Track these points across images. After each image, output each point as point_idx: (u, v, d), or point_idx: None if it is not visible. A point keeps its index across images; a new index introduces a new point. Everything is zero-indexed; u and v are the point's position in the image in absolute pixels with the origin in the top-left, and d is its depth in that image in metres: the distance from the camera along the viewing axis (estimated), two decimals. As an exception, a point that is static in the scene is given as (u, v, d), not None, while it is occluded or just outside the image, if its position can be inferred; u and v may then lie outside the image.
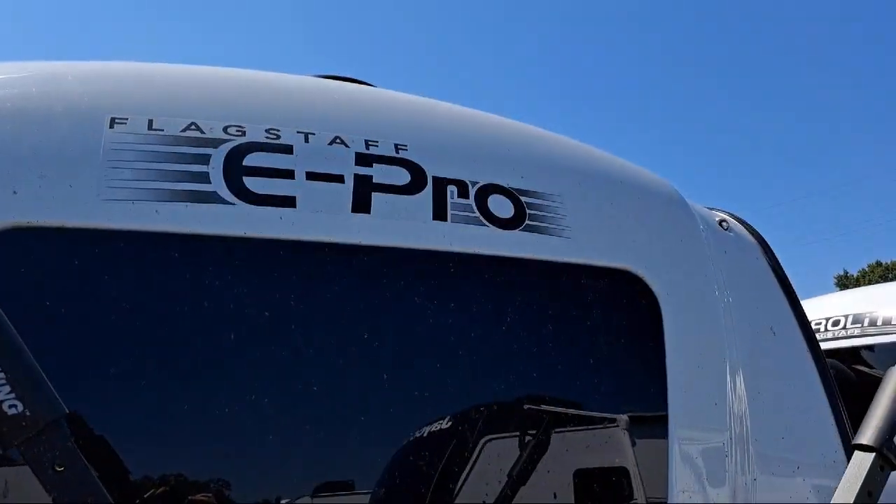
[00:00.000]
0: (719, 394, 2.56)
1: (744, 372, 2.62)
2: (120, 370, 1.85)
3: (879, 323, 8.39)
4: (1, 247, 1.84)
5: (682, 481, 2.38)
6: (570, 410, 2.44)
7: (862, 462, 1.57)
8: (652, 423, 2.49)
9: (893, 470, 1.59)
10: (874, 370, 8.74)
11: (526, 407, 2.35)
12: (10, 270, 1.84)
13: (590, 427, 2.47)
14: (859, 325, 8.57)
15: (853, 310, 8.72)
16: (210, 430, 1.95)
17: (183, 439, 1.94)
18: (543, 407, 2.38)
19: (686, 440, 2.41)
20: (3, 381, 1.09)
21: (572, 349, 2.47)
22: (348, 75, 2.87)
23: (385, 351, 2.20)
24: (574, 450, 2.41)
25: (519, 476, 2.21)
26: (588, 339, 2.49)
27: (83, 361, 1.86)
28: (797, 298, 2.84)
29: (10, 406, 1.07)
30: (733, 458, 2.50)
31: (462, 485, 2.14)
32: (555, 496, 2.24)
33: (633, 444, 2.43)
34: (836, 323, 8.83)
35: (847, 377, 8.95)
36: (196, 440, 1.95)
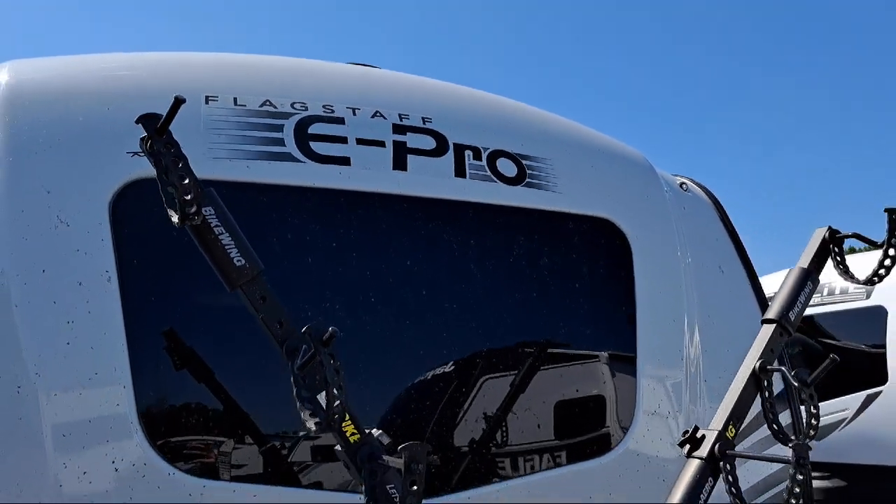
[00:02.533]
0: (679, 332, 3.17)
1: (699, 310, 3.25)
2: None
3: (837, 292, 9.17)
4: (128, 197, 2.44)
5: (647, 405, 2.95)
6: (560, 348, 3.07)
7: (766, 331, 2.20)
8: (623, 360, 3.08)
9: (789, 336, 2.23)
10: (837, 341, 9.52)
11: (525, 341, 2.99)
12: (138, 215, 2.44)
13: (575, 362, 3.10)
14: (819, 295, 9.34)
15: (813, 281, 9.51)
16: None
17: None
18: (541, 341, 3.00)
19: (650, 376, 2.97)
20: (232, 245, 1.70)
21: (564, 285, 3.11)
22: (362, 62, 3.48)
23: (417, 280, 2.83)
24: (562, 381, 3.05)
25: (512, 404, 2.75)
26: (575, 277, 3.14)
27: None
28: (742, 246, 3.50)
29: (238, 261, 1.69)
30: (688, 391, 3.09)
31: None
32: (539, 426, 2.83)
33: (613, 375, 3.07)
34: (798, 294, 9.61)
35: (813, 349, 9.73)
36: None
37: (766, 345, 2.14)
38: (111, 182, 2.39)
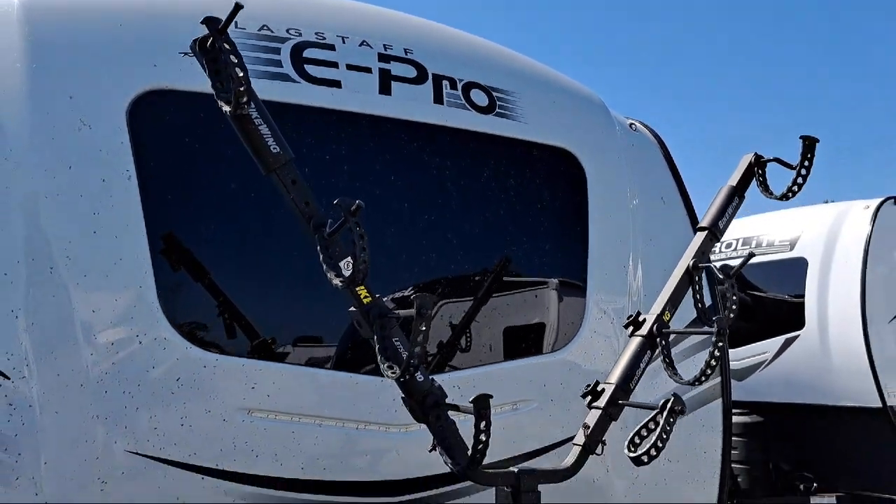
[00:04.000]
0: (625, 253, 3.60)
1: (642, 234, 3.68)
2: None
3: (764, 245, 9.87)
4: (144, 105, 2.69)
5: (591, 327, 3.37)
6: (521, 263, 3.47)
7: (699, 237, 2.64)
8: (575, 277, 3.49)
9: (718, 241, 2.67)
10: (763, 292, 10.25)
11: (492, 254, 3.37)
12: (153, 121, 2.70)
13: (534, 277, 3.50)
14: (747, 247, 10.04)
15: (742, 234, 10.19)
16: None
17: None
18: (505, 255, 3.39)
19: (599, 301, 3.39)
20: (269, 135, 2.01)
21: (527, 207, 3.49)
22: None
23: (399, 195, 3.17)
24: (521, 292, 3.45)
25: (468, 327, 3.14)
26: (537, 201, 3.53)
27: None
28: (682, 180, 3.94)
29: (274, 148, 2.00)
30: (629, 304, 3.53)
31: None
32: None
33: (565, 291, 3.48)
34: (728, 245, 10.29)
35: (743, 301, 10.45)
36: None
37: (699, 247, 2.58)
38: (129, 90, 2.64)
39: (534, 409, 3.15)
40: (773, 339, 9.53)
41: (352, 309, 2.02)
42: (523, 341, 3.30)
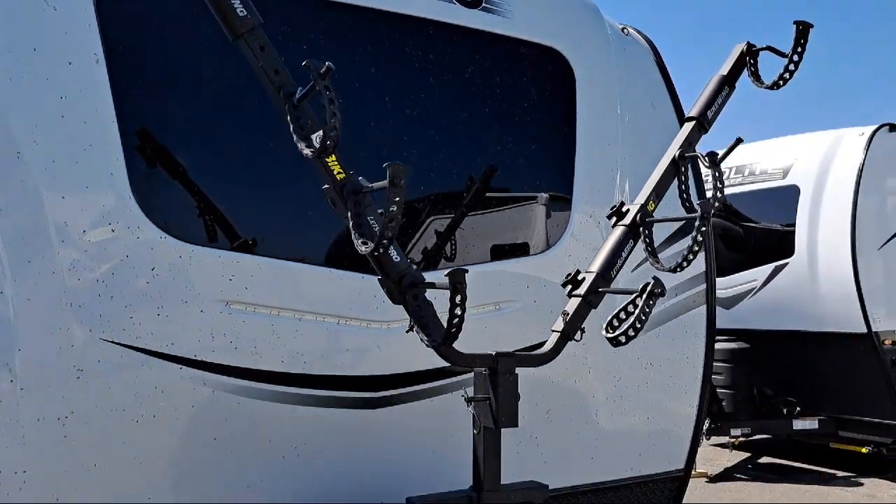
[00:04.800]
0: (611, 163, 3.53)
1: (630, 138, 3.61)
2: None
3: (757, 173, 9.81)
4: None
5: (576, 230, 3.32)
6: (507, 163, 3.40)
7: (687, 127, 2.58)
8: (559, 190, 3.43)
9: (706, 132, 2.61)
10: (755, 222, 10.24)
11: (477, 153, 3.29)
12: (121, 5, 2.58)
13: (521, 177, 3.44)
14: (740, 176, 9.98)
15: (736, 162, 10.12)
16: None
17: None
18: (491, 154, 3.32)
19: (585, 204, 3.33)
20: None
21: (514, 105, 3.41)
22: None
23: (377, 90, 3.08)
24: (509, 192, 3.40)
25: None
26: (524, 100, 3.44)
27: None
28: (674, 87, 3.85)
29: (241, 11, 1.91)
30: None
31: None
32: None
33: (545, 203, 3.43)
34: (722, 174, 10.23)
35: (734, 233, 10.47)
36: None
37: (686, 138, 2.52)
38: (94, -30, 2.51)
39: (517, 310, 3.14)
40: (762, 267, 9.58)
41: (325, 187, 1.97)
42: (507, 243, 3.27)
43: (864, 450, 8.83)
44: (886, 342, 8.48)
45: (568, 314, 2.31)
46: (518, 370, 2.92)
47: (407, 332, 2.07)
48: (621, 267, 2.38)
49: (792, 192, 9.25)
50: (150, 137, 2.55)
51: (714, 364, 10.01)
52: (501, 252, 3.23)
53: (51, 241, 2.35)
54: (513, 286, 3.14)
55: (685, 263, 2.31)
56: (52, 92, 2.40)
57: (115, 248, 2.44)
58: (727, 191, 10.07)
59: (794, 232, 9.23)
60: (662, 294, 2.12)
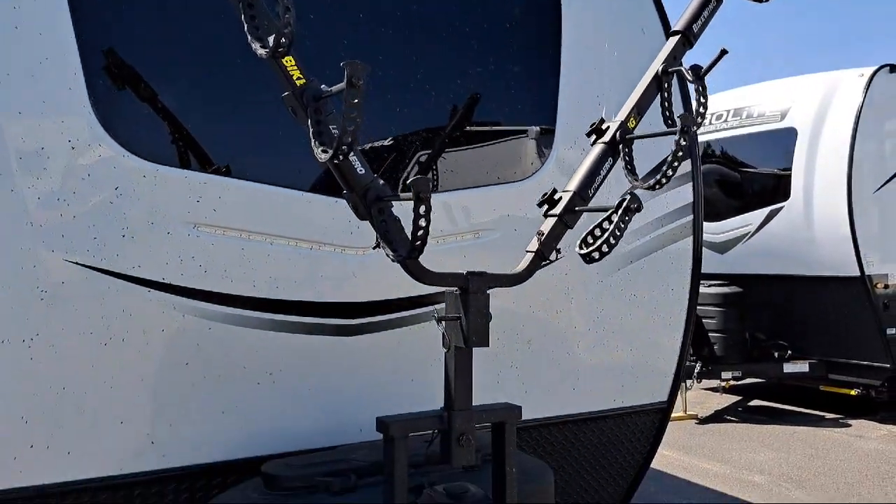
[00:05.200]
0: (597, 88, 3.41)
1: (618, 67, 3.49)
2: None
3: (755, 115, 9.66)
4: None
5: (559, 157, 3.23)
6: (494, 83, 3.28)
7: (672, 41, 2.48)
8: (543, 115, 3.32)
9: (690, 47, 2.51)
10: (753, 168, 10.13)
11: (462, 75, 3.18)
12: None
13: (507, 95, 3.33)
14: (738, 119, 9.83)
15: (734, 105, 9.96)
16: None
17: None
18: (476, 75, 3.20)
19: (569, 131, 3.23)
20: None
21: (494, 28, 3.28)
22: None
23: (351, 8, 2.95)
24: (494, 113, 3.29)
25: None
26: (506, 21, 3.31)
27: None
28: (664, 12, 3.71)
29: None
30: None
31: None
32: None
33: (528, 129, 3.32)
34: (719, 117, 10.07)
35: (730, 177, 10.36)
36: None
37: (670, 52, 2.42)
38: None
39: (496, 240, 3.07)
40: (757, 211, 9.52)
41: (285, 94, 1.87)
42: (487, 170, 3.18)
43: (853, 392, 8.91)
44: (879, 286, 8.47)
45: (543, 234, 2.24)
46: (499, 301, 2.88)
47: (374, 248, 2.01)
48: (599, 186, 2.31)
49: (789, 135, 9.12)
50: (112, 51, 2.44)
51: (706, 308, 10.06)
52: (481, 179, 3.15)
53: (7, 158, 2.26)
54: (492, 214, 3.07)
55: (664, 180, 2.23)
56: (5, 1, 2.29)
57: (75, 165, 2.36)
58: (724, 134, 9.96)
59: (790, 176, 9.15)
60: (639, 209, 2.05)
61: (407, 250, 1.89)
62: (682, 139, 2.15)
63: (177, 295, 2.50)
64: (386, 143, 2.98)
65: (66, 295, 2.36)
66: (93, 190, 2.36)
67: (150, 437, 2.55)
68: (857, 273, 8.43)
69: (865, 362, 8.60)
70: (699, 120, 2.30)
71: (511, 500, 2.26)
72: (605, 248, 2.06)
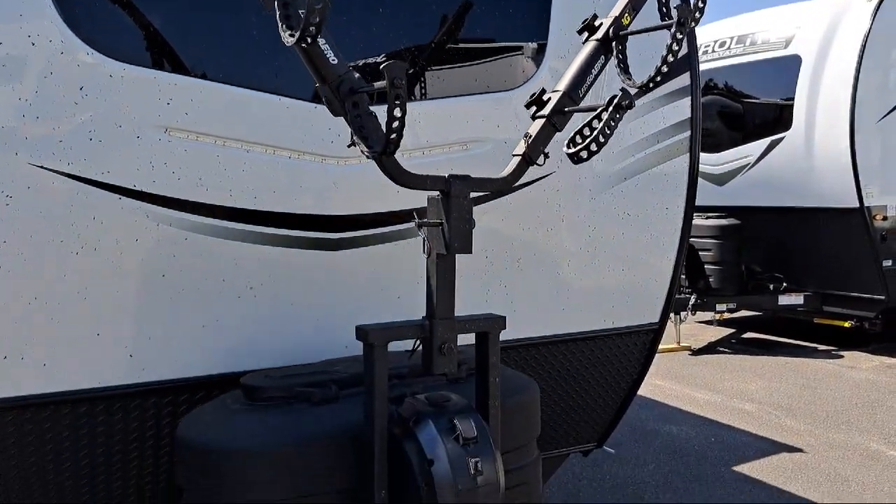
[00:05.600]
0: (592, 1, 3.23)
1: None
2: None
3: (759, 43, 9.40)
4: None
5: (553, 65, 3.06)
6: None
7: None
8: (536, 17, 3.13)
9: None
10: (756, 98, 9.91)
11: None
12: None
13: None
14: (741, 46, 9.56)
15: (737, 32, 9.68)
16: None
17: None
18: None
19: (563, 35, 3.06)
20: None
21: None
22: None
23: None
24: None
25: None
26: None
27: None
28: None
29: None
30: None
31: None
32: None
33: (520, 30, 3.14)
34: (722, 44, 9.80)
35: (731, 108, 10.14)
36: None
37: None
38: None
39: (486, 152, 2.96)
40: (758, 141, 9.35)
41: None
42: (476, 77, 3.04)
43: (846, 324, 8.93)
44: (877, 217, 8.39)
45: (530, 137, 2.13)
46: (487, 217, 2.79)
47: (349, 146, 1.90)
48: (591, 85, 2.18)
49: (793, 63, 8.88)
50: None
51: (703, 240, 9.98)
52: (470, 87, 3.01)
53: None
54: (482, 124, 2.95)
55: (658, 78, 2.11)
56: None
57: (37, 64, 2.23)
58: (727, 62, 9.71)
59: (792, 105, 8.96)
60: (630, 107, 1.93)
61: (382, 145, 1.79)
62: (678, 32, 2.02)
63: (149, 203, 2.40)
64: (373, 49, 2.84)
65: (33, 199, 2.26)
66: (56, 90, 2.24)
67: (129, 351, 2.50)
68: (856, 204, 8.34)
69: (860, 294, 8.59)
70: (697, 15, 2.16)
71: (494, 411, 2.22)
72: (593, 147, 1.96)
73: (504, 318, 2.24)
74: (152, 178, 2.39)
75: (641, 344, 3.62)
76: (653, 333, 3.63)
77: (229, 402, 2.34)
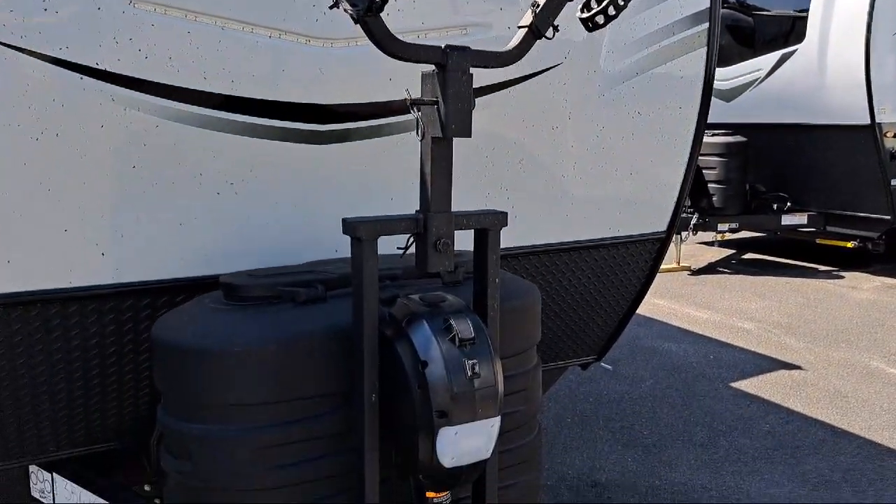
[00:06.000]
0: None
1: None
2: None
3: (774, -52, 8.93)
4: None
5: None
6: None
7: None
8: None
9: None
10: (767, 10, 9.46)
11: None
12: None
13: None
14: (756, -48, 9.09)
15: (753, -63, 9.19)
16: None
17: None
18: None
19: None
20: None
21: None
22: None
23: None
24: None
25: None
26: None
27: None
28: None
29: None
30: None
31: None
32: None
33: None
34: (735, -50, 9.32)
35: (743, 22, 9.69)
36: None
37: None
38: None
39: (490, 38, 2.70)
40: (768, 55, 9.00)
41: None
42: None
43: (849, 245, 8.80)
44: (888, 135, 8.14)
45: (538, 5, 1.89)
46: (488, 111, 2.57)
47: (331, 7, 1.66)
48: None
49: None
50: None
51: (708, 158, 9.70)
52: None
53: None
54: (483, 6, 2.68)
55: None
56: None
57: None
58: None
59: (806, 17, 8.57)
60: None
61: (367, 1, 1.55)
62: None
63: (114, 84, 2.17)
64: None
65: (-17, 79, 2.02)
66: (1, -51, 1.97)
67: (100, 249, 2.31)
68: (867, 121, 8.09)
69: (866, 214, 8.43)
70: None
71: (493, 313, 2.06)
72: (611, 11, 1.72)
73: (506, 213, 2.05)
74: (117, 56, 2.15)
75: (647, 254, 3.45)
76: (659, 243, 3.46)
77: (208, 302, 2.17)
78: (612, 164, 3.18)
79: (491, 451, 1.90)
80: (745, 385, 5.52)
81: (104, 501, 2.65)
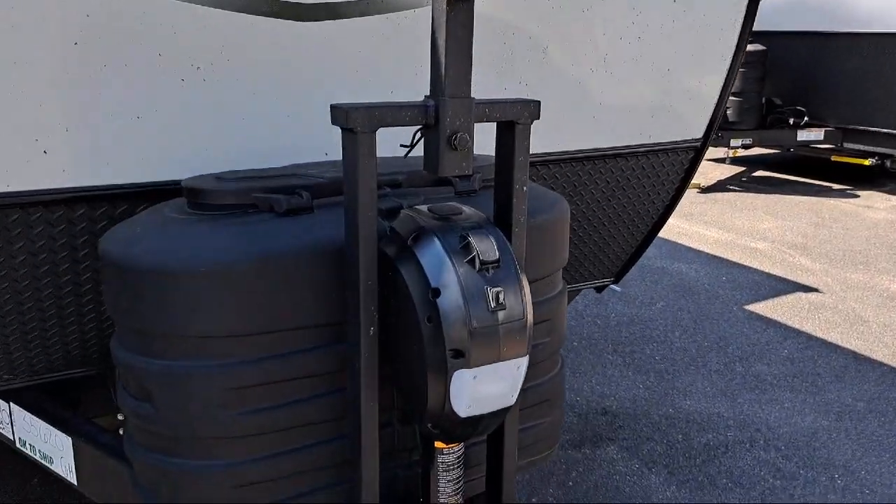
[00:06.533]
0: None
1: None
2: None
3: None
4: None
5: None
6: None
7: None
8: None
9: None
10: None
11: None
12: None
13: None
14: None
15: None
16: None
17: None
18: None
19: None
20: None
21: None
22: None
23: None
24: None
25: None
26: None
27: None
28: None
29: None
30: None
31: None
32: None
33: None
34: None
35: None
36: None
37: None
38: None
39: None
40: (796, -46, 8.34)
41: None
42: None
43: (867, 162, 8.40)
44: (920, 44, 7.61)
45: None
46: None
47: None
48: None
49: None
50: None
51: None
52: None
53: None
54: None
55: None
56: None
57: None
58: None
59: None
60: None
61: None
62: None
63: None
64: None
65: None
66: None
67: (41, 146, 1.90)
68: (895, 29, 7.55)
69: (887, 130, 7.99)
70: None
71: (519, 229, 1.67)
72: None
73: (539, 102, 1.63)
74: None
75: (679, 164, 3.05)
76: (693, 152, 3.05)
77: (167, 211, 1.76)
78: (648, 57, 2.73)
79: (516, 397, 1.55)
80: (761, 308, 5.23)
81: (63, 433, 2.33)
